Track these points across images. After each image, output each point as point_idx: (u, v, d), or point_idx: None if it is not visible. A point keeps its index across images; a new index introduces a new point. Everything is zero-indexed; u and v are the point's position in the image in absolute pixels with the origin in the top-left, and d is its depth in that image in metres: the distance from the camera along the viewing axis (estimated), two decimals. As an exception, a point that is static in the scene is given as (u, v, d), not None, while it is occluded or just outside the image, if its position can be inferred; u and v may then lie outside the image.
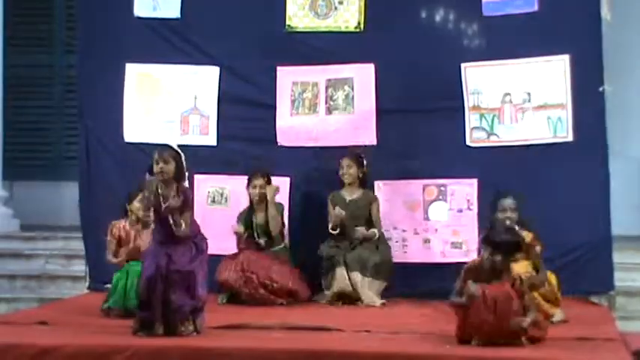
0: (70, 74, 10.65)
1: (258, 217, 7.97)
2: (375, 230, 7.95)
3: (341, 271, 7.73)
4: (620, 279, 8.15)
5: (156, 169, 6.39)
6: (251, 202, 8.01)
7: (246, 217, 7.97)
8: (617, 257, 8.11)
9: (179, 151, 6.50)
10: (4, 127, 10.46)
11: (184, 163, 6.46)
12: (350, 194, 8.02)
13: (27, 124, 11.20)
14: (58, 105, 11.29)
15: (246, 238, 7.90)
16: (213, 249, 7.78)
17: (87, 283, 8.57)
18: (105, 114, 8.44)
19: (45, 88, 11.35)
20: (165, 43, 8.49)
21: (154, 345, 6.11)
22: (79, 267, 8.98)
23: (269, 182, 7.98)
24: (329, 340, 6.33)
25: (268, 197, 7.90)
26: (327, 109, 8.38)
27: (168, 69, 8.39)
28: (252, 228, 7.94)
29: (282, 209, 8.04)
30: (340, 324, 6.81)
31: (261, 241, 7.91)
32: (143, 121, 8.37)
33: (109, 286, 7.35)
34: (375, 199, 8.04)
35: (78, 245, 8.96)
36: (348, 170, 7.96)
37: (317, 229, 8.10)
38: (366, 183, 8.06)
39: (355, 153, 8.03)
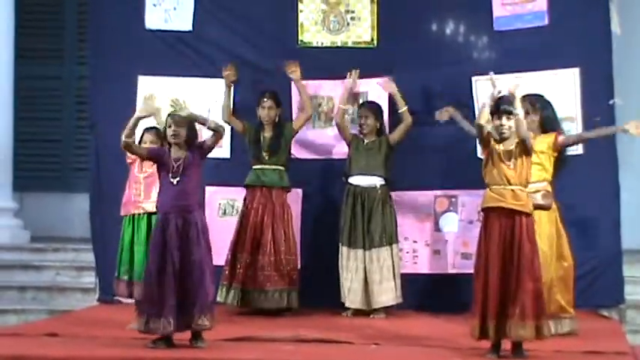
0: (80, 86, 10.69)
1: (266, 134, 8.03)
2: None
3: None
4: (631, 292, 8.15)
5: (168, 132, 6.46)
6: (260, 120, 8.06)
7: (255, 133, 8.04)
8: (628, 270, 8.12)
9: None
10: (15, 138, 10.47)
11: (196, 127, 6.57)
12: (368, 139, 8.06)
13: (37, 136, 11.21)
14: (68, 116, 11.32)
15: (252, 152, 8.02)
16: (222, 260, 7.86)
17: (97, 295, 8.58)
18: (116, 126, 8.36)
19: (55, 99, 11.38)
20: (178, 55, 8.53)
21: (164, 357, 6.13)
22: (89, 279, 8.98)
23: (278, 105, 8.05)
24: (339, 353, 6.35)
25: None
26: (342, 122, 8.44)
27: (181, 82, 8.40)
28: (259, 144, 8.01)
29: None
30: (350, 336, 6.82)
31: (265, 156, 7.98)
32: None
33: (119, 298, 7.34)
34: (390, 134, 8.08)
35: (88, 257, 8.97)
36: (366, 121, 8.03)
37: (329, 241, 8.10)
38: (383, 133, 8.09)
39: (372, 104, 8.11)
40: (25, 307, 9.16)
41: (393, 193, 8.20)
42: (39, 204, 10.92)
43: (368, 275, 7.87)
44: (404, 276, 8.07)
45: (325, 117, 8.45)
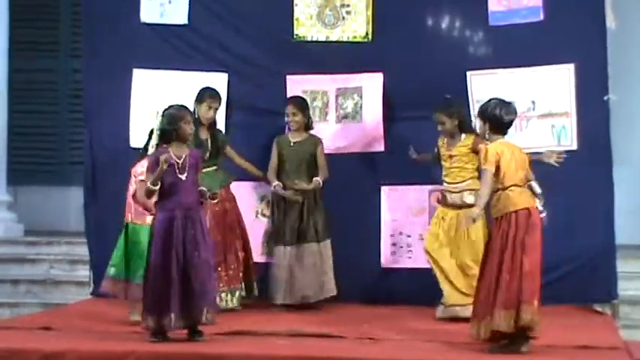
0: (75, 79, 10.67)
1: (204, 136, 7.84)
2: (319, 179, 7.94)
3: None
4: (624, 288, 8.16)
5: (187, 129, 6.47)
6: (199, 120, 7.75)
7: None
8: (621, 266, 8.12)
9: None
10: (9, 131, 10.46)
11: None
12: (295, 137, 8.05)
13: (32, 129, 11.19)
14: (62, 110, 11.30)
15: None
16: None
17: (91, 289, 8.55)
18: (111, 119, 8.45)
19: (50, 92, 11.35)
20: (173, 49, 8.50)
21: (158, 351, 6.13)
22: (83, 272, 8.97)
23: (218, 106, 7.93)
24: (333, 347, 6.34)
25: None
26: (337, 117, 8.43)
27: (176, 75, 8.39)
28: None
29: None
30: (344, 331, 6.82)
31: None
32: (150, 126, 8.36)
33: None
34: (320, 141, 8.07)
35: (82, 251, 8.96)
36: (294, 118, 8.00)
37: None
38: (310, 127, 8.09)
39: (299, 99, 8.07)
40: (19, 300, 9.18)
41: (388, 187, 8.22)
42: (33, 197, 10.91)
43: (297, 270, 7.87)
44: (398, 270, 8.11)
45: (319, 112, 8.44)
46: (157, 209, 6.47)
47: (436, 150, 7.63)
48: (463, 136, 7.53)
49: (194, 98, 7.79)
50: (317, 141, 8.07)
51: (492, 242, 6.29)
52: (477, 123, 6.59)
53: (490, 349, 6.23)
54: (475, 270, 6.89)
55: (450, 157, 7.54)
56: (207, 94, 7.80)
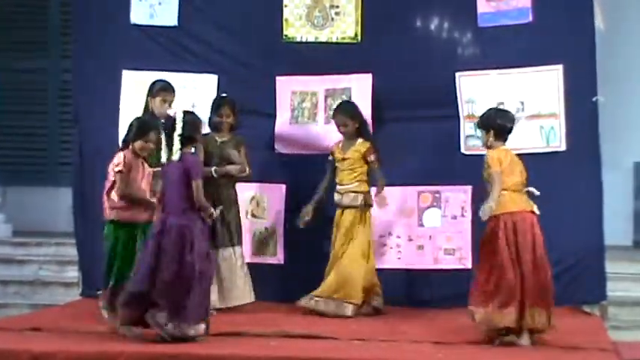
0: (64, 79, 10.67)
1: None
2: (246, 168, 7.93)
3: None
4: (612, 289, 8.17)
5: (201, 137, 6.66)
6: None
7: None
8: (610, 267, 8.13)
9: None
10: (-2, 131, 10.47)
11: None
12: (221, 137, 8.02)
13: (21, 129, 11.19)
14: (52, 110, 11.29)
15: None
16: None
17: (80, 290, 8.54)
18: (100, 120, 8.44)
19: (39, 93, 11.34)
20: (163, 50, 8.51)
21: (148, 351, 6.12)
22: (72, 273, 8.96)
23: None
24: (324, 349, 6.35)
25: None
26: (326, 118, 8.42)
27: (166, 76, 8.37)
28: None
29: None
30: (335, 332, 6.83)
31: None
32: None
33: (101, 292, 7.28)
34: (244, 141, 8.04)
35: (71, 251, 8.94)
36: (227, 119, 7.99)
37: (312, 235, 8.12)
38: (235, 128, 8.07)
39: (233, 102, 8.02)
40: (8, 301, 9.15)
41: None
42: (22, 197, 10.89)
43: (222, 273, 7.82)
44: (387, 271, 8.10)
45: (309, 113, 8.45)
46: (175, 213, 6.47)
47: (330, 157, 7.86)
48: (359, 140, 7.79)
49: (146, 93, 7.72)
50: (242, 140, 8.04)
51: (492, 240, 6.47)
52: (479, 133, 6.90)
53: (494, 342, 6.33)
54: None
55: (343, 159, 7.78)
56: (158, 87, 7.68)
